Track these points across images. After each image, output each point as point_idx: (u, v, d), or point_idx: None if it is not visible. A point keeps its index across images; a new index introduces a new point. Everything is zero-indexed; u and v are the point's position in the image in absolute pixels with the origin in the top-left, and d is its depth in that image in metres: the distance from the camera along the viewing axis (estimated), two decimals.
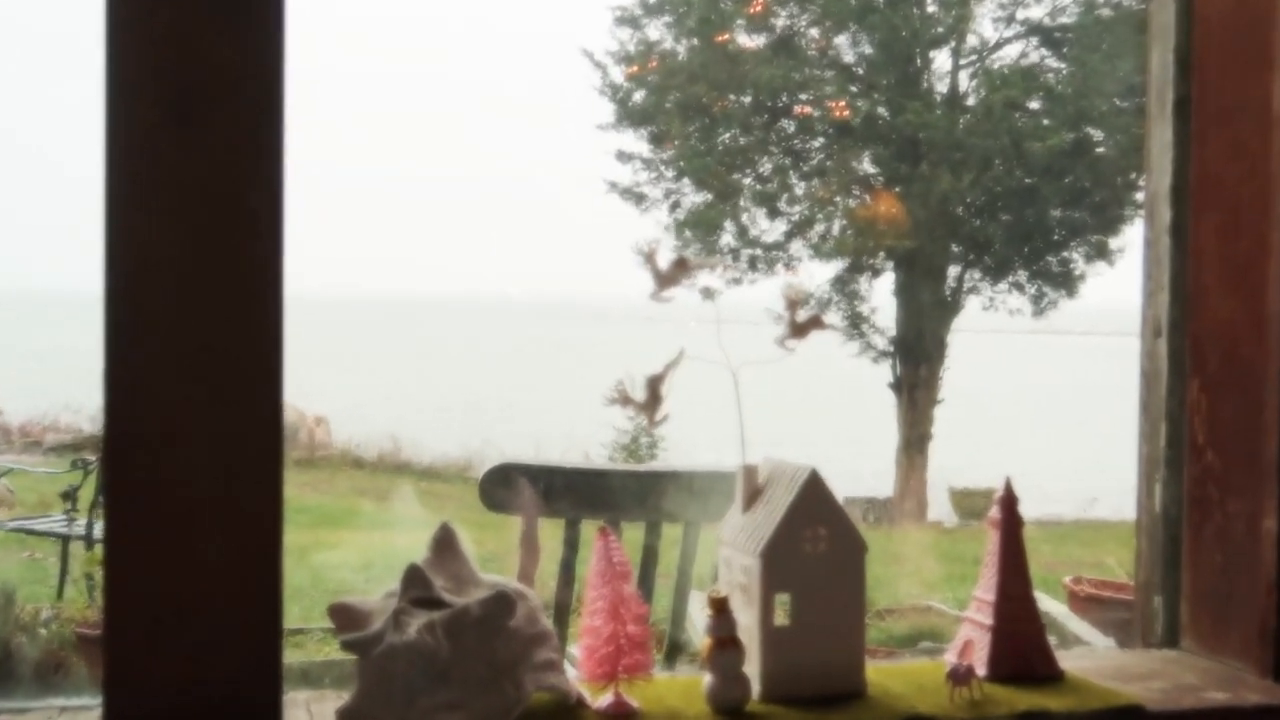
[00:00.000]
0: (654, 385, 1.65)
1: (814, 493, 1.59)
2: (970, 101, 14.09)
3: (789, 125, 14.16)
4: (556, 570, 2.61)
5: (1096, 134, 14.07)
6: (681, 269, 1.65)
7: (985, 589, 1.73)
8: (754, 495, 1.67)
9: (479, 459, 14.83)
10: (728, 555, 1.66)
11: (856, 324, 14.32)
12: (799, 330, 1.71)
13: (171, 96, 1.38)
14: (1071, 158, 13.55)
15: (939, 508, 13.83)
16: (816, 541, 1.59)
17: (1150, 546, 1.97)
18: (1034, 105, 14.05)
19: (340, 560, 8.98)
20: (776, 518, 1.58)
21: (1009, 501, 1.73)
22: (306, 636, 6.46)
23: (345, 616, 1.47)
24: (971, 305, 14.90)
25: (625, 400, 1.64)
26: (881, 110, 13.87)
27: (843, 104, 13.27)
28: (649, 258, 1.65)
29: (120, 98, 1.38)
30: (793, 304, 1.72)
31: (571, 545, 2.76)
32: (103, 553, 1.39)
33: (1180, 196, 1.90)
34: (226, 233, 1.41)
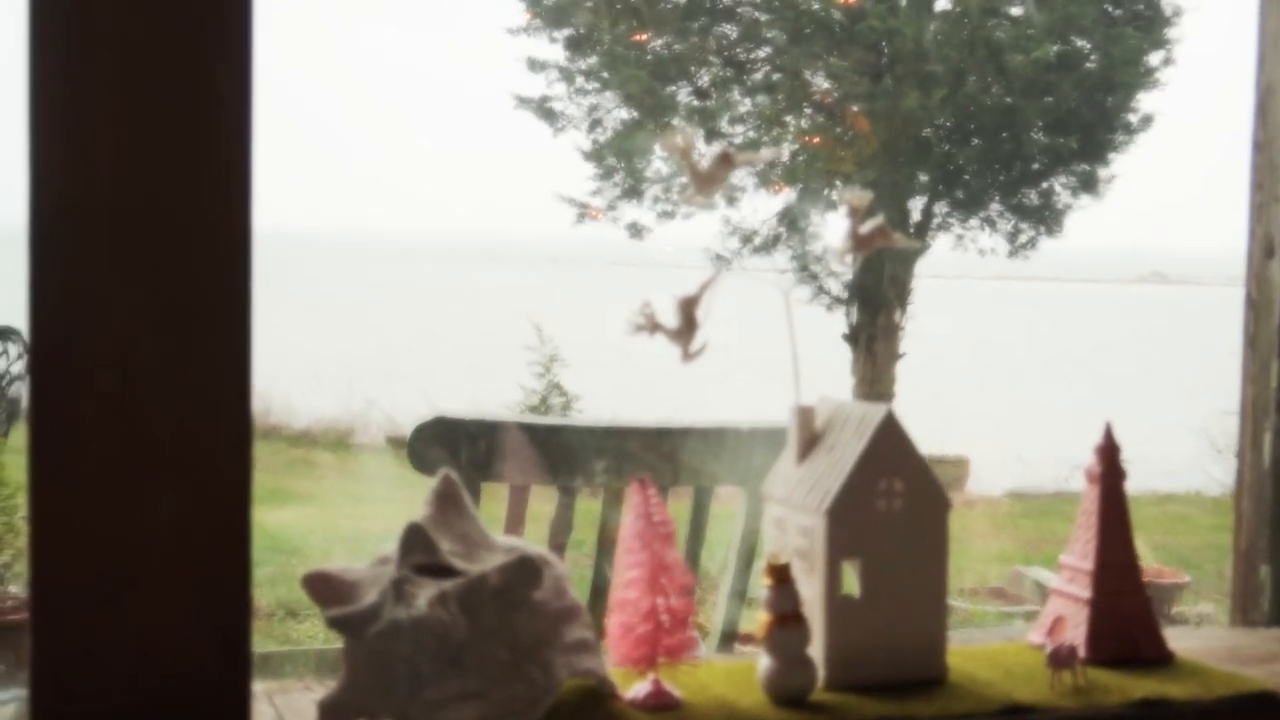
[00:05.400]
0: (688, 308, 1.58)
1: (890, 438, 1.53)
2: (942, 5, 14.07)
3: (730, 30, 14.06)
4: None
5: (1085, 45, 14.15)
6: (726, 165, 1.58)
7: (1080, 555, 1.68)
8: (810, 443, 1.60)
9: (362, 423, 14.67)
10: (780, 515, 1.59)
11: (807, 265, 14.29)
12: (863, 242, 1.65)
13: None
14: (1057, 73, 13.61)
15: None
16: (892, 497, 1.53)
17: (1255, 507, 1.93)
18: (1015, 11, 14.07)
19: None
20: (845, 468, 1.52)
21: (1110, 452, 1.68)
22: None
23: (325, 588, 1.38)
24: (939, 246, 14.93)
25: (653, 326, 1.57)
26: (837, 14, 13.80)
27: None
28: (684, 153, 1.57)
29: None
30: (855, 211, 1.65)
31: (516, 519, 2.68)
32: (28, 509, 1.28)
33: None
34: (186, 114, 1.30)
